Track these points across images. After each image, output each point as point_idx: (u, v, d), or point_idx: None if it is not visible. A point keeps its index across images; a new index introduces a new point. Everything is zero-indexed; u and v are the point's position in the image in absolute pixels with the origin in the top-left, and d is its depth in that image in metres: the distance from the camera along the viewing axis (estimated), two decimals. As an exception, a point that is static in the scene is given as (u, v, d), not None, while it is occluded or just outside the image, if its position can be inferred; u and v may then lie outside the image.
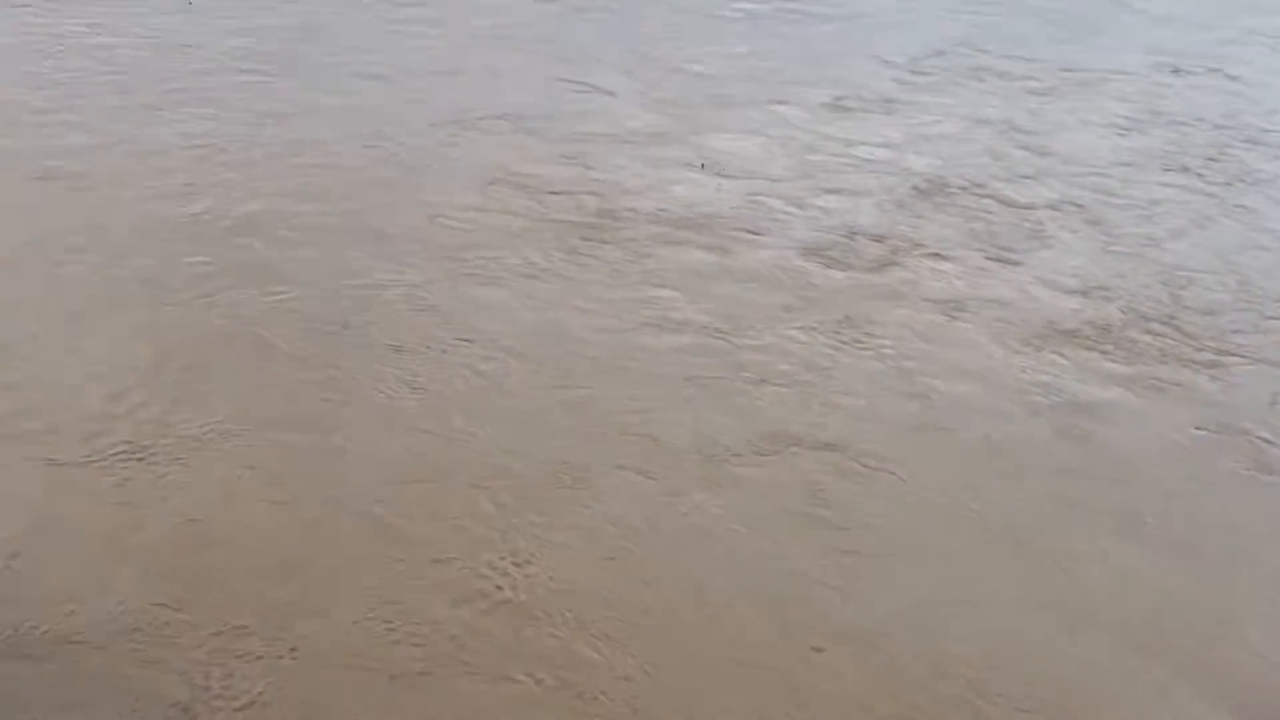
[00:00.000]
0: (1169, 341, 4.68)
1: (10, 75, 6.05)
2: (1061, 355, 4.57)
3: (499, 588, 3.27)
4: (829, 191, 5.90)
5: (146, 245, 4.73)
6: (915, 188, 6.00)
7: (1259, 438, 4.10)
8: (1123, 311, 4.90)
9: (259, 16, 7.39)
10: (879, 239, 5.44)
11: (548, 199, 5.55)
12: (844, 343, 4.60)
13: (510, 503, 3.59)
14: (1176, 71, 8.03)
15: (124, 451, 3.65)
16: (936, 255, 5.31)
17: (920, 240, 5.44)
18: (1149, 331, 4.75)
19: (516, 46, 7.53)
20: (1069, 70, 8.01)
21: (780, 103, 7.11)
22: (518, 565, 3.35)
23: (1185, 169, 6.36)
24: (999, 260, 5.29)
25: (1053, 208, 5.86)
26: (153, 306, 4.39)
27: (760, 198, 5.77)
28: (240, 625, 3.09)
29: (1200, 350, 4.62)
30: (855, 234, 5.47)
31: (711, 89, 7.21)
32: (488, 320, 4.54)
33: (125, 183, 5.20)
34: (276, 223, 5.04)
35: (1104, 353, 4.59)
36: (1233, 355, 4.60)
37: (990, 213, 5.76)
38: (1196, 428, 4.16)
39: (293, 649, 3.03)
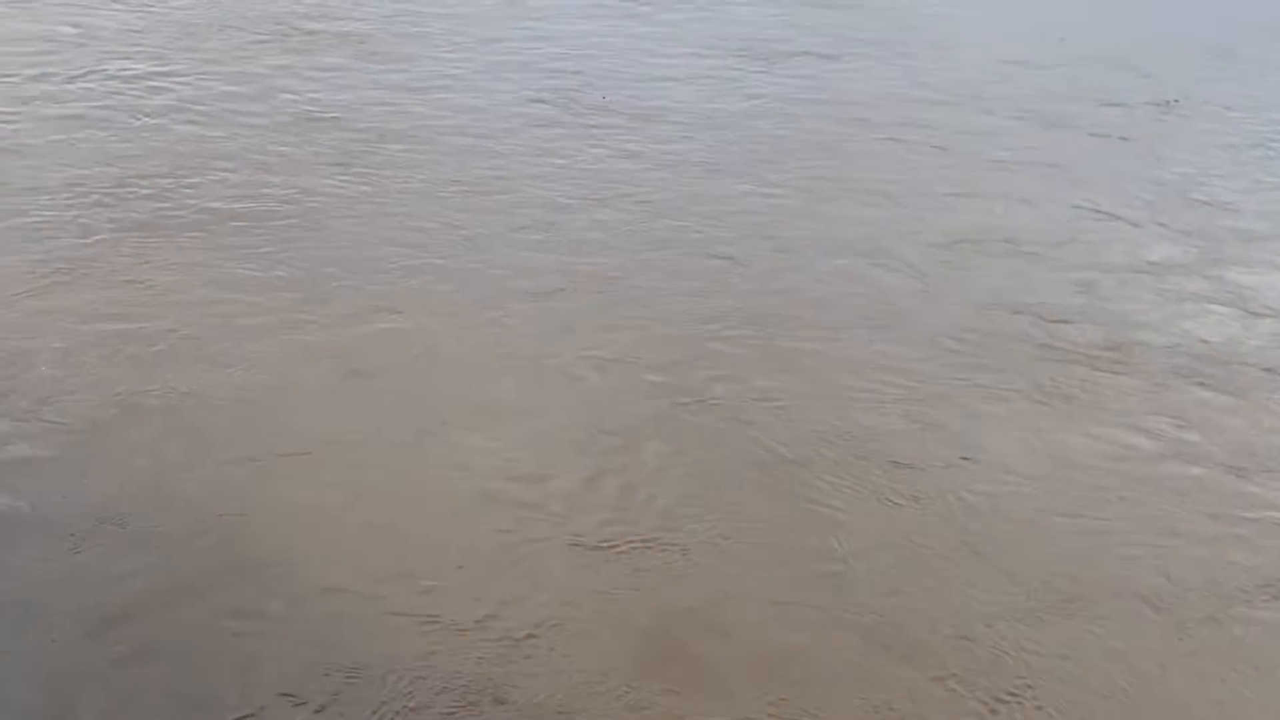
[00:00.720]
0: None
1: (545, 197, 6.57)
2: None
3: (993, 713, 3.23)
4: (1367, 334, 5.52)
5: (663, 353, 5.01)
6: None
7: None
8: None
9: (772, 135, 7.70)
10: None
11: (1052, 327, 5.46)
12: (1379, 494, 4.28)
13: (1008, 626, 3.55)
14: None
15: (636, 539, 3.87)
16: None
17: None
18: None
19: (1027, 172, 7.48)
20: None
21: (1312, 238, 6.73)
22: (1014, 692, 3.31)
23: None
24: None
25: None
26: (665, 410, 4.63)
27: (1287, 337, 5.47)
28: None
29: None
30: (1397, 380, 5.09)
31: (1237, 222, 6.91)
32: (990, 441, 4.52)
33: (649, 292, 5.52)
34: (782, 333, 5.21)
35: None
36: None
37: None
38: None
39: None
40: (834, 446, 4.45)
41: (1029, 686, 3.34)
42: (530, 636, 3.43)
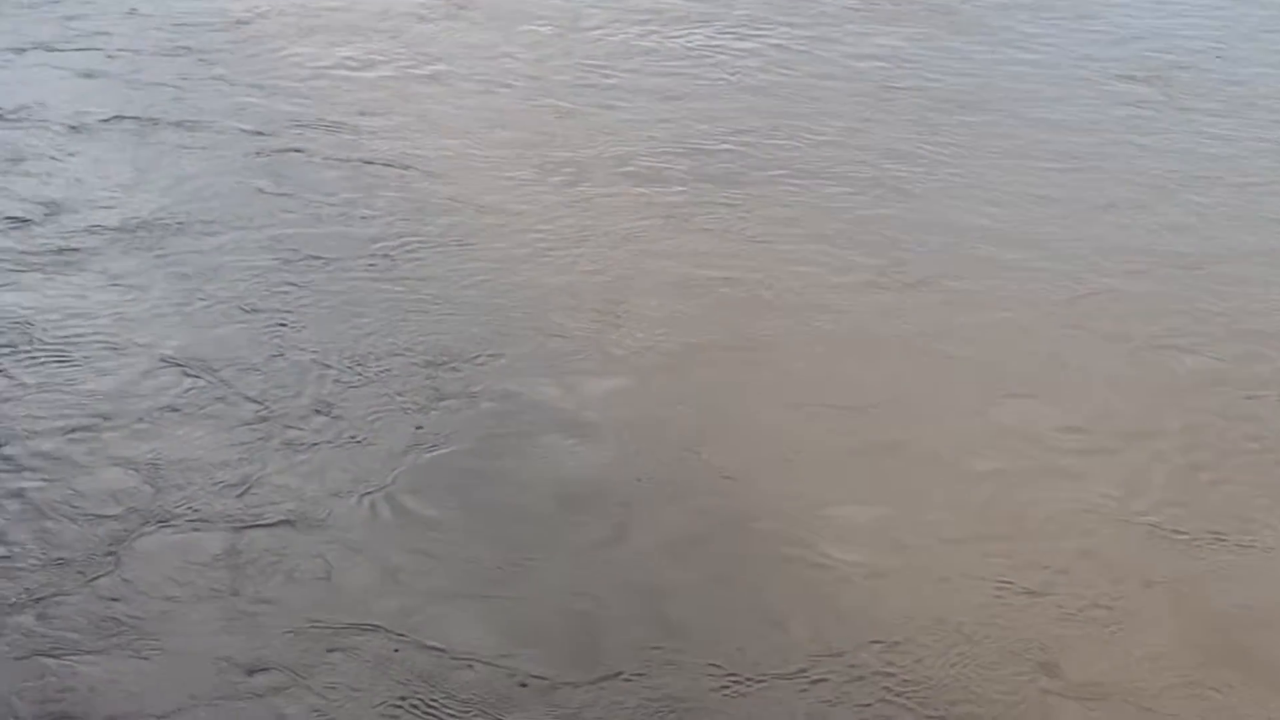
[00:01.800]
0: None
1: (1132, 178, 6.40)
2: None
3: None
4: None
5: (1243, 345, 4.82)
6: None
7: None
8: None
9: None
10: None
11: None
12: None
13: None
14: None
15: (1206, 530, 3.80)
16: None
17: None
18: None
19: None
20: None
21: None
22: None
23: None
24: None
25: None
26: (1236, 402, 4.49)
27: None
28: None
29: None
30: None
31: None
32: None
33: (1237, 282, 5.30)
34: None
35: None
36: None
37: None
38: None
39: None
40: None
41: None
42: (1091, 610, 3.44)
